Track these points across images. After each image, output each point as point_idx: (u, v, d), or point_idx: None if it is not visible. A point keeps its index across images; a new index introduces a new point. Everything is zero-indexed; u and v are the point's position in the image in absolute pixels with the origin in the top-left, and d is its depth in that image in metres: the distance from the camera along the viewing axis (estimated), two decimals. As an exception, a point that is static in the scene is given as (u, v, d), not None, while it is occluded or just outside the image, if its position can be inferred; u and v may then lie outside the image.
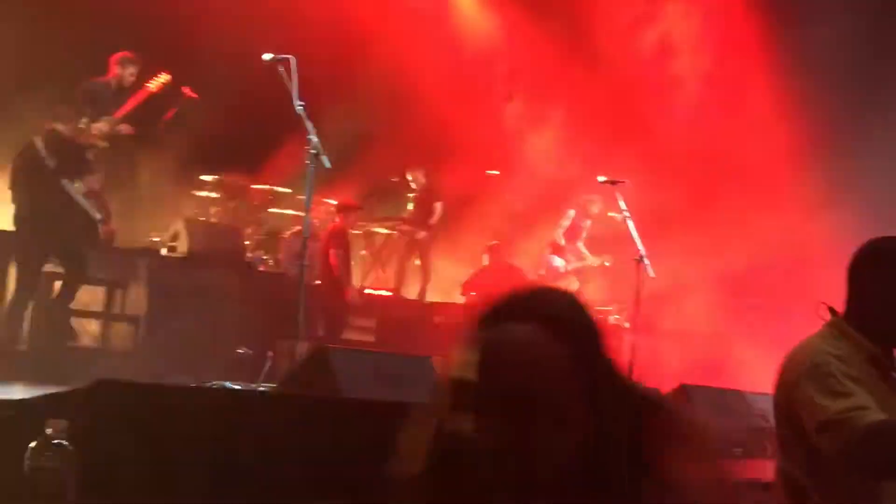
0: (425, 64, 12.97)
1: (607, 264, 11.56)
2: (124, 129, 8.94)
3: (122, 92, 9.20)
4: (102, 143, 8.64)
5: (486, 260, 11.48)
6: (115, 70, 9.18)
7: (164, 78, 9.51)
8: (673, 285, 10.05)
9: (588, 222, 11.80)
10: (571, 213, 11.77)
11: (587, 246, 11.79)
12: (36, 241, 8.08)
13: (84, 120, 8.39)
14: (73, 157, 8.27)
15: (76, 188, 8.27)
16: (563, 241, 11.73)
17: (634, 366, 7.75)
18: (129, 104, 9.14)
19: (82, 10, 10.53)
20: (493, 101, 12.89)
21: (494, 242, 11.43)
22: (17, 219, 8.12)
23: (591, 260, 11.70)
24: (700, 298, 10.82)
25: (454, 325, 9.08)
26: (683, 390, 6.53)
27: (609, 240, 10.82)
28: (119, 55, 9.27)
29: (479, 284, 11.06)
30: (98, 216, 8.46)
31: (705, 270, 10.85)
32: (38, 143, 8.13)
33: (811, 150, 11.41)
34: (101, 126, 8.61)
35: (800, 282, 11.04)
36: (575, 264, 11.74)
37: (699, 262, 10.80)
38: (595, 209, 11.70)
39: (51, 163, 8.10)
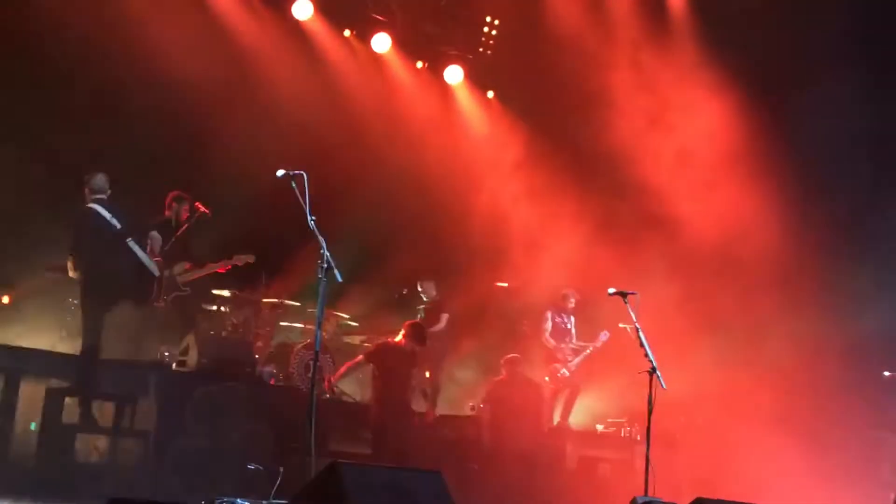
0: (435, 176, 13.20)
1: (604, 339, 11.63)
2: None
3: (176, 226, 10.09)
4: None
5: (503, 372, 11.45)
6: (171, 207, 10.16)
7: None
8: (686, 396, 10.01)
9: (571, 319, 11.91)
10: (548, 314, 11.88)
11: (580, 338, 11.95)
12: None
13: None
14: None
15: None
16: (552, 343, 11.78)
17: (650, 478, 7.69)
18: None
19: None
20: (503, 211, 13.02)
21: (513, 355, 11.42)
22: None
23: (590, 348, 11.76)
24: (713, 409, 10.78)
25: (461, 438, 9.07)
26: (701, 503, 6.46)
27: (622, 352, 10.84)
28: (173, 194, 10.25)
29: (495, 397, 11.01)
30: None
31: (715, 380, 10.83)
32: None
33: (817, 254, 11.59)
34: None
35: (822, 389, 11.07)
36: (576, 361, 11.76)
37: (710, 373, 10.79)
38: (571, 303, 11.82)
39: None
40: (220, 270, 10.64)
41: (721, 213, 11.62)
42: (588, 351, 11.81)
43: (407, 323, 10.25)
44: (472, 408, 11.46)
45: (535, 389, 11.14)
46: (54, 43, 10.36)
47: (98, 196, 8.84)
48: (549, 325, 11.87)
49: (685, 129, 11.99)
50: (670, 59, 12.20)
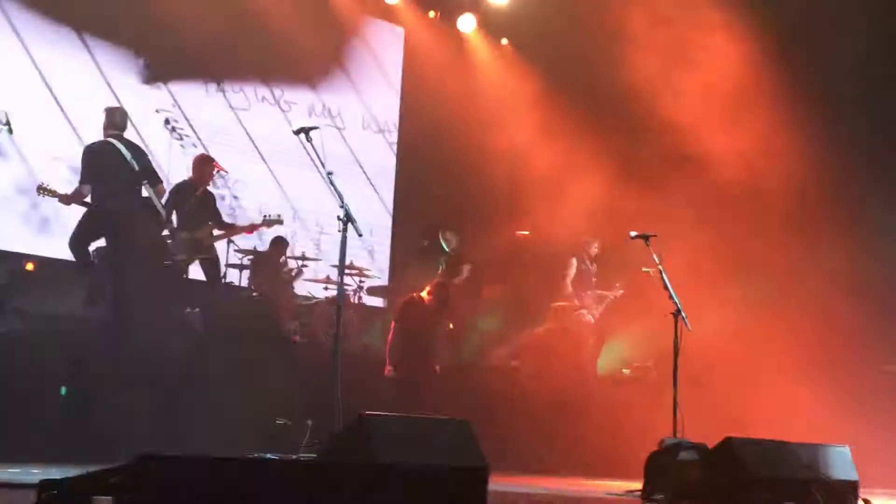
0: (453, 126, 13.13)
1: (621, 292, 11.65)
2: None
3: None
4: None
5: (550, 321, 11.45)
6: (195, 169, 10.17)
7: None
8: (713, 338, 9.97)
9: (594, 266, 11.90)
10: (574, 261, 11.88)
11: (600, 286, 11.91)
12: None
13: None
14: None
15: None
16: (570, 289, 11.78)
17: (679, 420, 7.69)
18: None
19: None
20: (522, 158, 12.93)
21: (561, 303, 11.43)
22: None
23: (610, 296, 11.79)
24: (739, 350, 10.74)
25: (487, 387, 9.08)
26: (729, 443, 6.43)
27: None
28: (198, 157, 10.38)
29: (541, 346, 11.05)
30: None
31: (743, 322, 10.78)
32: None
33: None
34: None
35: (843, 329, 10.99)
36: (598, 310, 11.79)
37: (736, 314, 10.74)
38: (594, 250, 11.82)
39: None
40: (248, 233, 10.69)
41: (748, 150, 11.44)
42: (609, 298, 11.86)
43: (433, 282, 10.25)
44: (514, 364, 11.44)
45: (583, 337, 11.18)
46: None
47: (115, 132, 8.88)
48: (572, 271, 11.89)
49: (707, 65, 11.76)
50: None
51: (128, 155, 8.86)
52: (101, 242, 9.10)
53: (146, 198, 9.03)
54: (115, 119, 9.00)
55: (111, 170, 8.79)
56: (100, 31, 11.53)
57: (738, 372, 10.75)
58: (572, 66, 12.83)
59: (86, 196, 8.84)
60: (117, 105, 9.20)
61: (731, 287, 10.97)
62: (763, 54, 11.60)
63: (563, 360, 10.99)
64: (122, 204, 8.79)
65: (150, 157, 9.27)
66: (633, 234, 8.37)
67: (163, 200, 9.19)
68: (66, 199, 8.93)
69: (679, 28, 11.87)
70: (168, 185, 10.65)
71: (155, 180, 9.18)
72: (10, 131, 9.02)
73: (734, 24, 11.60)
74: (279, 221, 10.62)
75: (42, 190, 8.99)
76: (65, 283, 9.19)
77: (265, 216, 10.62)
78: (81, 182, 8.83)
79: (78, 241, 8.91)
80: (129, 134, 9.33)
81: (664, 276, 8.13)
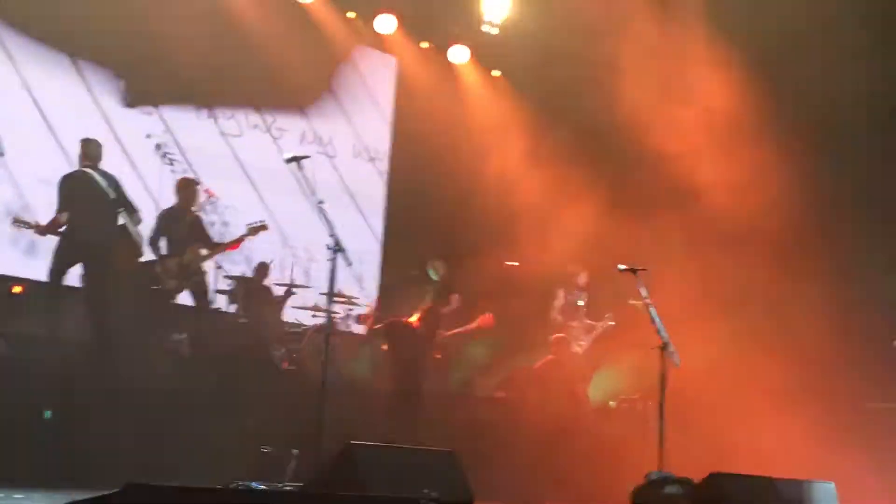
0: (443, 156, 13.19)
1: (611, 323, 11.69)
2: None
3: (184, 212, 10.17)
4: None
5: (550, 352, 11.47)
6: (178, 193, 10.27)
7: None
8: (700, 372, 9.99)
9: (582, 297, 11.94)
10: (560, 292, 11.94)
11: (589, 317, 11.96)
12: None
13: None
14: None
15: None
16: (560, 319, 11.83)
17: (665, 454, 7.69)
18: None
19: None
20: (511, 188, 12.99)
21: (560, 335, 11.45)
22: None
23: (598, 329, 11.82)
24: (725, 383, 10.76)
25: (474, 419, 9.06)
26: (714, 479, 6.45)
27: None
28: (180, 180, 10.48)
29: (536, 378, 11.09)
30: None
31: (730, 355, 10.80)
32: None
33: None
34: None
35: (830, 364, 11.03)
36: (586, 340, 11.82)
37: (723, 347, 10.76)
38: (582, 280, 11.87)
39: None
40: (233, 248, 10.65)
41: (738, 182, 11.48)
42: (598, 331, 11.89)
43: (423, 307, 10.27)
44: (500, 394, 11.43)
45: (574, 369, 11.23)
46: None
47: (90, 163, 8.94)
48: (559, 302, 11.94)
49: (698, 97, 11.84)
50: (674, 28, 12.06)
51: (103, 184, 8.93)
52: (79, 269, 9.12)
53: (122, 226, 9.09)
54: (90, 150, 9.10)
55: (87, 199, 8.90)
56: (92, 57, 11.58)
57: (723, 406, 10.76)
58: (563, 96, 12.93)
59: (63, 225, 8.88)
60: (94, 138, 9.29)
61: (719, 320, 10.99)
62: (753, 86, 11.69)
63: (552, 391, 11.00)
64: (99, 232, 8.90)
65: (123, 188, 9.36)
66: (621, 266, 8.39)
67: (139, 228, 9.21)
68: (42, 230, 9.00)
69: (669, 60, 11.98)
70: (157, 210, 10.69)
71: (131, 209, 9.30)
72: (0, 153, 9.05)
73: (724, 56, 11.70)
74: (264, 227, 10.50)
75: (17, 222, 9.06)
76: (51, 307, 9.16)
77: (249, 225, 10.54)
78: (59, 211, 8.88)
79: (56, 273, 8.93)
80: (119, 159, 9.38)
81: (651, 309, 8.14)
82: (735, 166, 11.45)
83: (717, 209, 11.47)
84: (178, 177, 11.55)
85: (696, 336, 9.86)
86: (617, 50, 11.87)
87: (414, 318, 10.63)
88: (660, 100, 11.81)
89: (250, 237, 10.55)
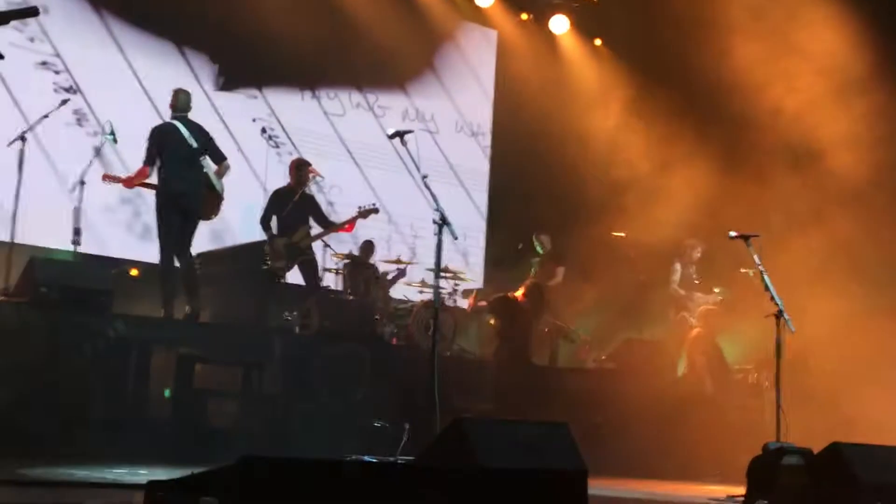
0: (546, 127, 13.06)
1: (720, 298, 11.42)
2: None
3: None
4: None
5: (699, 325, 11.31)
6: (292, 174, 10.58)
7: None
8: (819, 341, 9.73)
9: (693, 269, 11.70)
10: (677, 265, 11.69)
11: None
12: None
13: None
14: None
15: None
16: (682, 292, 11.62)
17: (783, 424, 7.50)
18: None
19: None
20: (617, 156, 12.80)
21: (709, 307, 11.26)
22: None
23: (710, 301, 11.56)
24: (845, 351, 10.43)
25: (584, 391, 8.95)
26: (836, 449, 6.25)
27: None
28: (295, 161, 10.78)
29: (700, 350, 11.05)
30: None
31: (851, 322, 10.45)
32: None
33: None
34: None
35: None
36: (696, 314, 11.60)
37: (844, 314, 10.41)
38: (697, 254, 11.60)
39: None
40: (347, 230, 10.81)
41: (858, 138, 11.05)
42: (709, 306, 11.62)
43: (527, 283, 10.22)
44: (611, 366, 11.28)
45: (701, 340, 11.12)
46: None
47: (180, 113, 9.10)
48: (677, 276, 11.71)
49: (810, 52, 11.39)
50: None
51: (186, 133, 9.12)
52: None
53: (206, 175, 9.28)
54: (179, 101, 9.27)
55: (174, 150, 9.09)
56: (196, 43, 11.81)
57: (844, 374, 10.43)
58: (668, 60, 12.63)
59: (149, 176, 9.12)
60: (186, 89, 9.50)
61: (841, 285, 10.61)
62: (867, 38, 11.21)
63: (662, 363, 10.83)
64: (187, 182, 9.12)
65: (211, 137, 9.45)
66: (732, 234, 8.17)
67: (222, 180, 9.33)
68: (129, 183, 9.31)
69: (778, 15, 11.58)
70: (266, 194, 10.89)
71: (218, 157, 9.38)
72: (115, 141, 9.31)
73: (835, 10, 11.26)
74: (375, 210, 10.72)
75: (107, 178, 9.38)
76: (167, 288, 9.38)
77: (360, 207, 10.71)
78: (145, 162, 9.12)
79: (164, 231, 9.16)
80: (227, 144, 9.54)
81: (765, 276, 7.91)
82: (853, 121, 11.00)
83: (837, 167, 11.05)
84: (284, 159, 11.75)
85: (817, 302, 9.58)
86: (723, 8, 11.54)
87: (520, 293, 10.57)
88: (770, 56, 11.42)
89: (361, 218, 10.71)
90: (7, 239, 8.89)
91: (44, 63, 11.01)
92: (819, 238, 10.74)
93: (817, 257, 10.50)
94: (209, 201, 9.30)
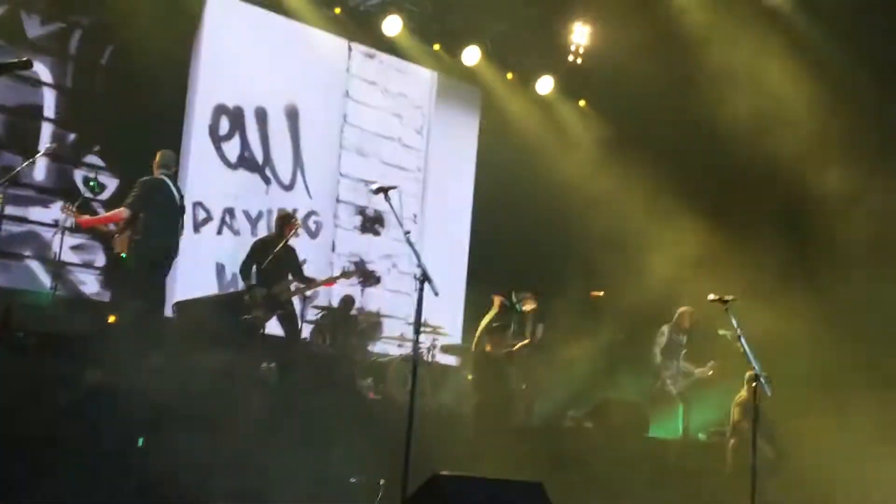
0: (532, 184, 13.15)
1: (711, 372, 11.41)
2: None
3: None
4: None
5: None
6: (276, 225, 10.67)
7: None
8: (795, 405, 9.74)
9: (683, 337, 11.70)
10: (665, 329, 11.70)
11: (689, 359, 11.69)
12: None
13: None
14: None
15: None
16: (659, 359, 11.61)
17: (757, 490, 7.49)
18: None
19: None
20: (599, 216, 12.89)
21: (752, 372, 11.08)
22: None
23: (697, 373, 11.54)
24: (824, 420, 10.45)
25: (561, 449, 8.90)
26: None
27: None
28: (279, 213, 10.93)
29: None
30: None
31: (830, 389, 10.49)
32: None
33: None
34: None
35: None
36: (682, 383, 11.56)
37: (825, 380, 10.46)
38: (687, 322, 11.60)
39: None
40: (327, 286, 10.86)
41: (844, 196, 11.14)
42: (695, 376, 11.62)
43: (509, 338, 10.25)
44: (587, 425, 11.25)
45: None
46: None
47: (165, 171, 9.22)
48: (663, 339, 11.71)
49: (789, 111, 11.51)
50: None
51: (175, 193, 9.34)
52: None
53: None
54: (165, 160, 9.43)
55: (161, 204, 9.23)
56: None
57: (819, 440, 10.45)
58: (653, 118, 12.79)
59: (123, 218, 9.17)
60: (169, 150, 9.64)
61: (822, 352, 10.67)
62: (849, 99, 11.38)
63: (638, 423, 10.83)
64: (168, 239, 9.30)
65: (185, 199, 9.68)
66: (711, 297, 8.23)
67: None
68: (88, 222, 9.47)
69: (756, 76, 11.75)
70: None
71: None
72: (98, 190, 9.39)
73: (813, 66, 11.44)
74: (354, 273, 10.77)
75: (66, 210, 9.45)
76: (142, 337, 9.35)
77: (343, 268, 10.79)
78: (129, 208, 9.20)
79: (138, 273, 9.25)
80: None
81: (742, 340, 7.95)
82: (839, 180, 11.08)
83: (826, 224, 11.09)
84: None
85: (797, 365, 9.60)
86: (709, 64, 11.70)
87: (500, 349, 10.57)
88: (753, 113, 11.55)
89: (343, 279, 10.78)
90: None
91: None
92: (803, 298, 10.77)
93: (796, 323, 10.55)
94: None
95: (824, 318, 10.85)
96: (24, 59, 4.27)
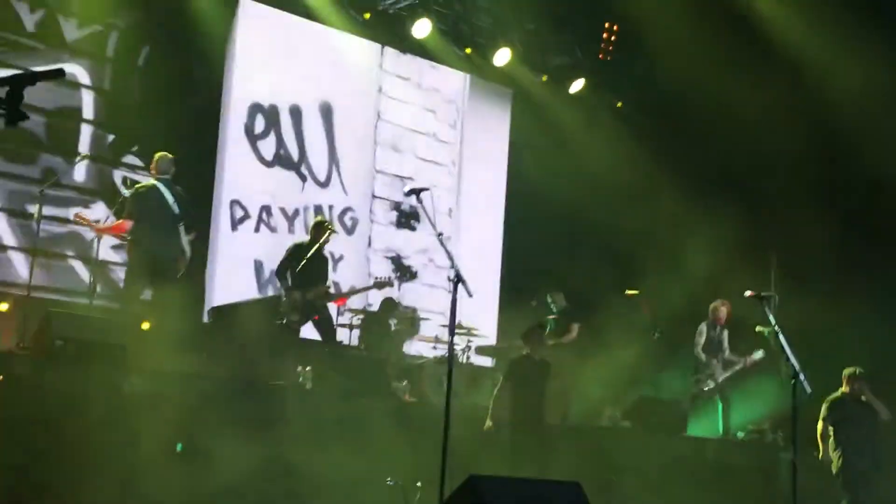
0: (562, 184, 13.11)
1: (758, 358, 11.29)
2: None
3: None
4: None
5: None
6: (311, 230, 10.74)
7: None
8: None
9: (723, 332, 11.62)
10: (703, 327, 11.63)
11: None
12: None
13: None
14: None
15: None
16: (703, 357, 11.54)
17: (797, 487, 7.42)
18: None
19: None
20: (633, 215, 12.84)
21: (853, 369, 10.79)
22: None
23: (740, 364, 11.45)
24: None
25: (599, 449, 8.87)
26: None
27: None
28: (315, 219, 10.98)
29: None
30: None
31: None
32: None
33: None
34: None
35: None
36: (726, 375, 11.49)
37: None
38: (723, 314, 11.53)
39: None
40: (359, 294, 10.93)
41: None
42: (738, 367, 11.55)
43: (523, 333, 10.24)
44: (625, 424, 11.16)
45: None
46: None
47: (163, 176, 9.23)
48: (702, 338, 11.67)
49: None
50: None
51: (169, 199, 9.38)
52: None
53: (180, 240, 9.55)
54: (161, 164, 9.52)
55: (154, 212, 9.37)
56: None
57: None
58: (682, 121, 12.73)
59: (127, 228, 9.34)
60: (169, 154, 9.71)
61: (876, 343, 10.53)
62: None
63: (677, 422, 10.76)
64: (163, 248, 9.40)
65: (191, 205, 9.76)
66: (747, 293, 8.14)
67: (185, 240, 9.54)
68: (103, 230, 9.63)
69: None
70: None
71: (190, 227, 9.66)
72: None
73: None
74: (390, 284, 10.82)
75: (78, 218, 9.69)
76: (181, 340, 9.42)
77: (376, 279, 10.86)
78: (127, 218, 9.39)
79: (129, 283, 9.48)
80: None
81: (780, 337, 7.86)
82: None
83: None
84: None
85: (849, 358, 9.47)
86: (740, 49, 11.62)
87: (536, 350, 10.53)
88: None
89: (375, 290, 10.84)
90: (23, 292, 8.94)
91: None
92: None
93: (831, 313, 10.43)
94: (179, 265, 9.56)
95: (878, 305, 10.71)
96: (58, 67, 4.32)
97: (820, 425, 9.75)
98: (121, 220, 9.43)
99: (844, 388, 9.84)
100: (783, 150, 11.88)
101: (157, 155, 9.63)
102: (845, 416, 9.69)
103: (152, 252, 9.28)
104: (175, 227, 9.45)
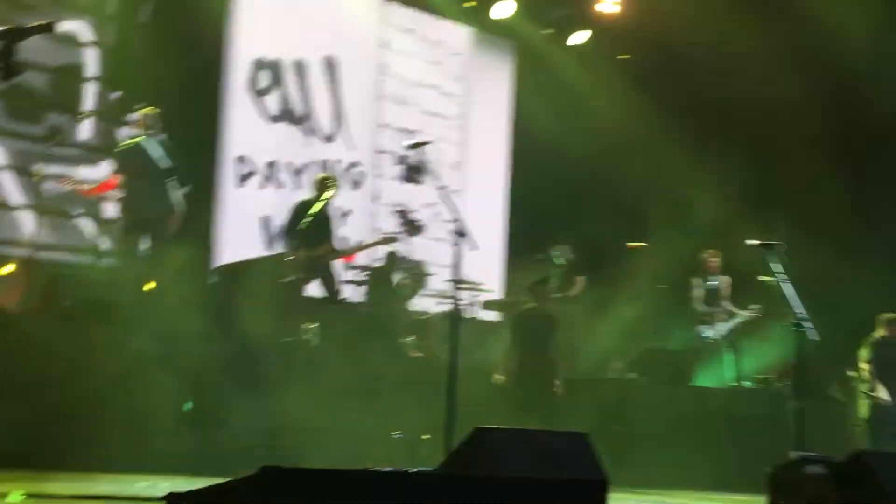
0: (566, 138, 13.04)
1: (757, 314, 11.29)
2: None
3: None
4: None
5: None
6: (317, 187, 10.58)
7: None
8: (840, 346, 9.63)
9: (719, 279, 11.60)
10: (695, 281, 11.65)
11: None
12: None
13: None
14: None
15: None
16: (703, 308, 11.54)
17: (803, 433, 7.44)
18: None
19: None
20: (638, 169, 12.77)
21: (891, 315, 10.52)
22: None
23: (741, 316, 11.46)
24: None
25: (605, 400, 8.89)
26: (860, 457, 6.20)
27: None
28: (320, 176, 10.81)
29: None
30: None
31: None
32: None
33: None
34: None
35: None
36: (725, 326, 11.49)
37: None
38: (714, 264, 11.51)
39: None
40: (366, 251, 10.90)
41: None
42: (739, 319, 11.54)
43: (529, 285, 10.25)
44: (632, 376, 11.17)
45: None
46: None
47: (150, 132, 9.32)
48: (698, 292, 11.66)
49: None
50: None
51: (156, 154, 9.38)
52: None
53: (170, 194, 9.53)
54: (148, 120, 9.48)
55: (142, 169, 9.34)
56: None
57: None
58: (689, 75, 12.62)
59: (116, 185, 9.36)
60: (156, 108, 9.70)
61: (883, 294, 10.51)
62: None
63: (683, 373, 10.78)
64: (152, 204, 9.38)
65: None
66: (750, 241, 8.03)
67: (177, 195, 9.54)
68: (90, 192, 9.70)
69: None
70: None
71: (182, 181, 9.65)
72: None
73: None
74: (395, 239, 10.78)
75: (65, 182, 9.70)
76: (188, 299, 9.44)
77: (384, 234, 10.82)
78: (115, 174, 9.47)
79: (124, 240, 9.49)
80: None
81: (783, 286, 7.80)
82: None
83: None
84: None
85: (855, 310, 9.45)
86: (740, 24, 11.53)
87: (542, 304, 10.53)
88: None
89: (381, 245, 10.80)
90: (30, 251, 8.95)
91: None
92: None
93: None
94: (169, 221, 9.54)
95: (890, 253, 10.67)
96: (48, 22, 4.24)
97: (866, 367, 9.76)
98: (112, 179, 9.42)
99: (883, 332, 9.85)
100: (791, 98, 11.77)
101: (143, 110, 9.59)
102: (886, 358, 9.72)
103: (138, 208, 9.27)
104: (163, 183, 9.41)
